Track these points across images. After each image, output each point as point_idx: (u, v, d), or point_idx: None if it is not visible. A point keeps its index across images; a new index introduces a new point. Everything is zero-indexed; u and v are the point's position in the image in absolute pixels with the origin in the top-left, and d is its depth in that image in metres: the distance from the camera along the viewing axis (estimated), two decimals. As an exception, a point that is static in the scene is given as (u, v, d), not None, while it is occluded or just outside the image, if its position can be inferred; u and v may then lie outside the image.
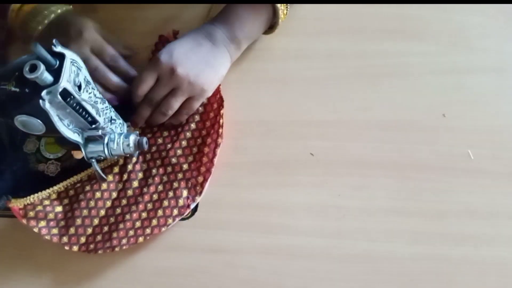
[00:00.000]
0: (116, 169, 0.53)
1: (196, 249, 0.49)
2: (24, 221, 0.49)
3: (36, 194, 0.50)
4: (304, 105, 0.56)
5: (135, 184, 0.52)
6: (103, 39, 0.56)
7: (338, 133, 0.54)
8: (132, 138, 0.47)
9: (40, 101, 0.37)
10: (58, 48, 0.39)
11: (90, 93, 0.44)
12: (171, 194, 0.51)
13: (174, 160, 0.53)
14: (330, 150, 0.53)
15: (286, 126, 0.55)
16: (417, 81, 0.57)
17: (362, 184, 0.51)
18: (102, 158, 0.47)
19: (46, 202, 0.51)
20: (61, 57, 0.39)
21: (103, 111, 0.47)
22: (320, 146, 0.54)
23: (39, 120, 0.40)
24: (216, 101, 0.55)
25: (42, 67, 0.36)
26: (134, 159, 0.53)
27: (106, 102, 0.48)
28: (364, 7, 0.62)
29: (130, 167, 0.52)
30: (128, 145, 0.47)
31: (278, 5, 0.54)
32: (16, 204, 0.50)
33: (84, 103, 0.43)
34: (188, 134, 0.54)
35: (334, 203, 0.51)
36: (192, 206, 0.51)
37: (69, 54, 0.40)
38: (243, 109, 0.57)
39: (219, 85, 0.56)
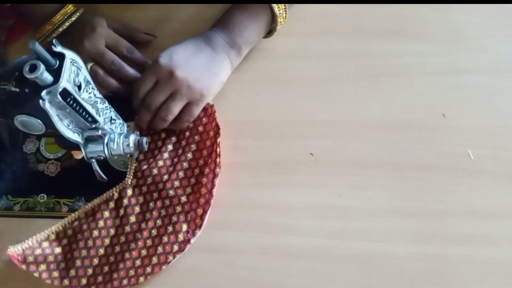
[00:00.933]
0: (111, 204, 0.51)
1: (196, 249, 0.49)
2: (24, 266, 0.47)
3: (34, 237, 0.49)
4: (304, 105, 0.56)
5: (133, 219, 0.50)
6: (118, 32, 0.57)
7: (338, 133, 0.54)
8: (132, 138, 0.47)
9: (40, 101, 0.37)
10: (58, 48, 0.39)
11: (90, 93, 0.44)
12: (170, 229, 0.49)
13: (171, 192, 0.51)
14: (330, 150, 0.53)
15: (286, 126, 0.55)
16: (417, 81, 0.57)
17: (362, 184, 0.51)
18: (102, 158, 0.46)
19: (45, 244, 0.49)
20: (61, 57, 0.39)
21: (103, 111, 0.47)
22: (320, 146, 0.54)
23: (39, 120, 0.40)
24: (212, 129, 0.54)
25: (42, 67, 0.36)
26: (130, 192, 0.51)
27: (106, 102, 0.48)
28: (364, 7, 0.62)
29: (126, 201, 0.51)
30: (128, 145, 0.47)
31: (276, 8, 0.53)
32: (14, 250, 0.47)
33: (84, 103, 0.43)
34: (185, 165, 0.53)
35: (334, 203, 0.51)
36: (193, 240, 0.49)
37: (69, 54, 0.40)
38: (243, 109, 0.57)
39: (215, 112, 0.55)
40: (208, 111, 0.55)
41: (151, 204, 0.51)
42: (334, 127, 0.55)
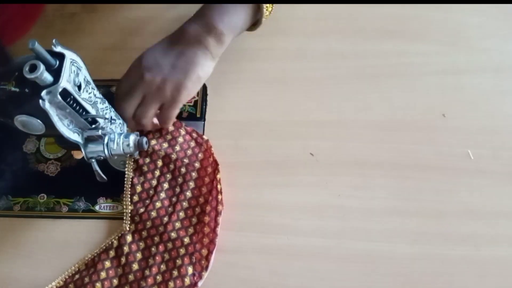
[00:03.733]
0: (112, 253, 0.49)
1: (196, 249, 0.49)
2: None
3: None
4: (304, 105, 0.56)
5: (135, 266, 0.48)
6: None
7: (338, 133, 0.54)
8: (132, 138, 0.47)
9: (40, 101, 0.37)
10: (58, 48, 0.39)
11: (90, 93, 0.44)
12: (175, 273, 0.47)
13: (173, 234, 0.48)
14: (330, 150, 0.53)
15: (286, 126, 0.55)
16: (417, 81, 0.57)
17: (362, 184, 0.51)
18: (102, 158, 0.46)
19: None
20: (61, 57, 0.39)
21: (103, 111, 0.47)
22: (320, 146, 0.54)
23: (39, 120, 0.40)
24: (210, 165, 0.52)
25: (42, 67, 0.36)
26: (129, 239, 0.49)
27: (106, 102, 0.48)
28: (364, 7, 0.62)
29: (126, 248, 0.48)
30: (128, 145, 0.47)
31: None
32: None
33: (84, 103, 0.43)
34: (185, 204, 0.50)
35: (334, 203, 0.51)
36: (200, 283, 0.47)
37: (69, 54, 0.40)
38: (243, 109, 0.57)
39: (211, 147, 0.53)
40: (203, 146, 0.53)
41: (153, 249, 0.48)
42: (334, 127, 0.55)
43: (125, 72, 0.52)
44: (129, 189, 0.52)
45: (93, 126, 0.46)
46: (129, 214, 0.50)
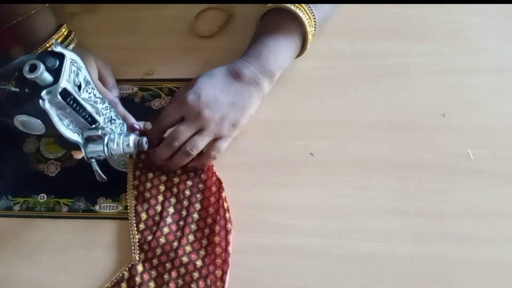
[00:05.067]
0: (124, 286, 0.47)
1: (196, 249, 0.49)
2: None
3: None
4: (304, 105, 0.56)
5: None
6: (103, 83, 0.56)
7: (338, 133, 0.54)
8: (132, 138, 0.47)
9: (40, 101, 0.37)
10: (58, 48, 0.39)
11: (90, 93, 0.44)
12: None
13: (185, 259, 0.48)
14: (330, 150, 0.53)
15: (286, 126, 0.55)
16: (417, 81, 0.57)
17: (362, 184, 0.51)
18: (102, 158, 0.46)
19: None
20: (61, 57, 0.39)
21: (103, 111, 0.47)
22: (320, 146, 0.54)
23: (39, 120, 0.40)
24: (213, 184, 0.52)
25: (42, 67, 0.36)
26: (140, 268, 0.48)
27: (106, 102, 0.48)
28: (364, 7, 0.62)
29: (138, 279, 0.47)
30: (128, 145, 0.47)
31: (308, 27, 0.52)
32: None
33: (84, 103, 0.43)
34: (193, 227, 0.50)
35: (334, 203, 0.51)
36: None
37: (69, 54, 0.40)
38: (243, 109, 0.57)
39: (213, 166, 0.53)
40: (205, 166, 0.53)
41: (166, 276, 0.47)
42: (334, 127, 0.55)
43: (173, 105, 0.52)
44: (134, 218, 0.51)
45: (93, 126, 0.46)
46: (137, 243, 0.49)
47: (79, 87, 0.42)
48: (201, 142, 0.50)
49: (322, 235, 0.49)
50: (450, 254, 0.47)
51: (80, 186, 0.54)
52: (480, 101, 0.55)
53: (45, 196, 0.54)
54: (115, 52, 0.61)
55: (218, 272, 0.47)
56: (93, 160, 0.46)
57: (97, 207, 0.53)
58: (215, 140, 0.51)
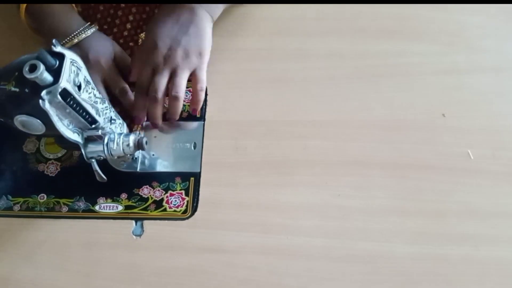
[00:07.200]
0: None
1: (196, 249, 0.49)
2: None
3: None
4: (304, 105, 0.56)
5: None
6: (119, 61, 0.57)
7: (338, 133, 0.54)
8: (132, 138, 0.47)
9: (40, 101, 0.37)
10: (58, 48, 0.39)
11: (90, 93, 0.44)
12: None
13: None
14: (330, 150, 0.53)
15: (286, 126, 0.55)
16: (417, 81, 0.57)
17: (362, 184, 0.51)
18: (102, 158, 0.46)
19: None
20: (61, 57, 0.39)
21: (103, 111, 0.47)
22: (320, 146, 0.54)
23: (39, 120, 0.40)
24: None
25: (42, 67, 0.36)
26: None
27: (106, 102, 0.48)
28: (364, 7, 0.62)
29: None
30: (128, 145, 0.47)
31: None
32: None
33: (84, 103, 0.43)
34: None
35: (334, 203, 0.51)
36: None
37: (69, 54, 0.40)
38: (243, 109, 0.57)
39: None
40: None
41: None
42: (334, 127, 0.55)
43: (137, 61, 0.53)
44: None
45: (93, 126, 0.46)
46: None
47: (79, 87, 0.42)
48: (181, 81, 0.52)
49: (322, 235, 0.49)
50: (450, 254, 0.47)
51: (80, 186, 0.54)
52: (480, 101, 0.55)
53: (45, 196, 0.54)
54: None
55: None
56: (93, 160, 0.47)
57: (97, 207, 0.53)
58: (193, 72, 0.53)
